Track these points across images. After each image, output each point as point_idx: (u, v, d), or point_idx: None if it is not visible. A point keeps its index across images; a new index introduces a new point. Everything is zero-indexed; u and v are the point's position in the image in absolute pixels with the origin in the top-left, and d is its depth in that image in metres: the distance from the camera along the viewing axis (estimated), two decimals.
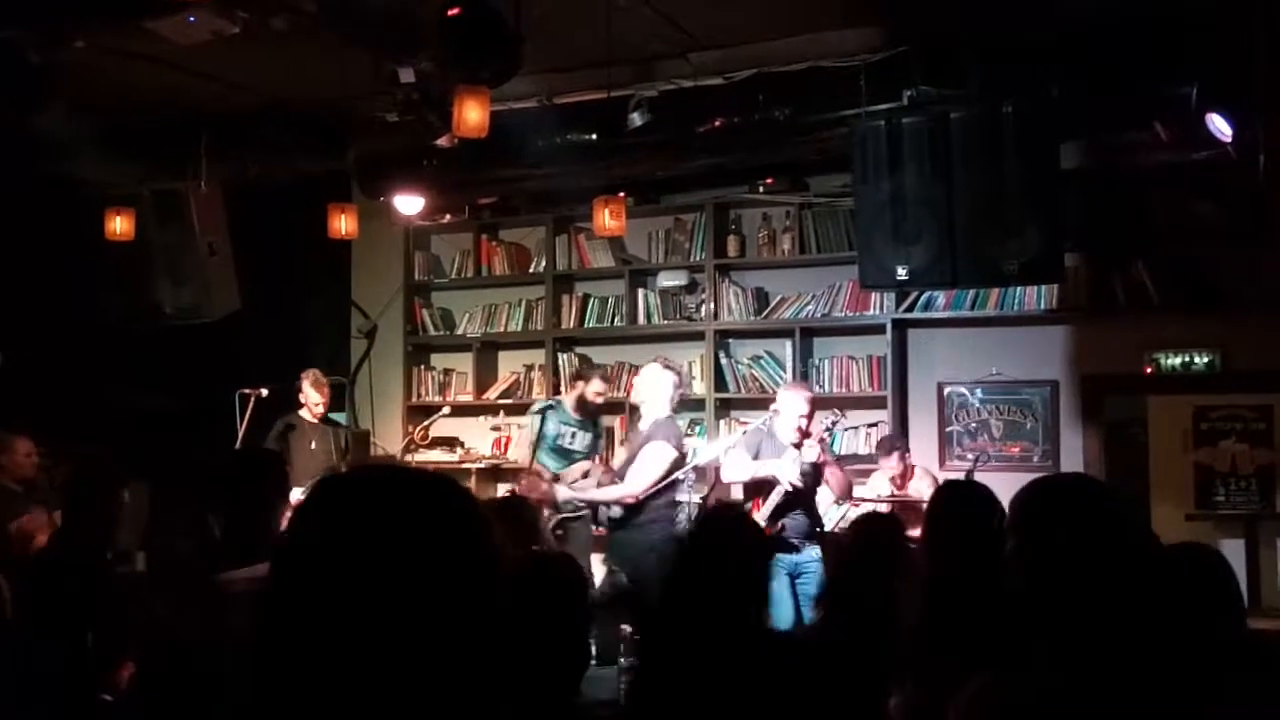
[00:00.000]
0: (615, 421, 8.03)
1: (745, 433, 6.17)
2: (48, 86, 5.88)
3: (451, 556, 1.14)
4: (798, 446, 5.76)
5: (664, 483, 5.87)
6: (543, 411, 7.17)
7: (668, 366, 6.19)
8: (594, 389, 7.15)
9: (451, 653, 1.11)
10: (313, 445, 7.25)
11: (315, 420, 7.36)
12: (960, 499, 3.38)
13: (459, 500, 1.19)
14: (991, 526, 2.99)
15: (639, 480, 5.89)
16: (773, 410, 6.03)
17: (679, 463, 5.95)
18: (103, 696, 3.55)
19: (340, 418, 7.46)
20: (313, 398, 7.32)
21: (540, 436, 7.07)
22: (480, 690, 1.13)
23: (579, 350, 8.36)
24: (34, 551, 5.33)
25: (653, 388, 6.07)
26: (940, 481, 6.97)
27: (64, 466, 6.24)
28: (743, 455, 5.95)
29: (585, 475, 6.85)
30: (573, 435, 7.08)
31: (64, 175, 7.12)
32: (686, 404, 7.84)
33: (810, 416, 5.81)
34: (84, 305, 7.46)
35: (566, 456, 7.06)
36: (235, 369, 7.46)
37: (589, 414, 7.15)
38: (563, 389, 8.11)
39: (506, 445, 8.17)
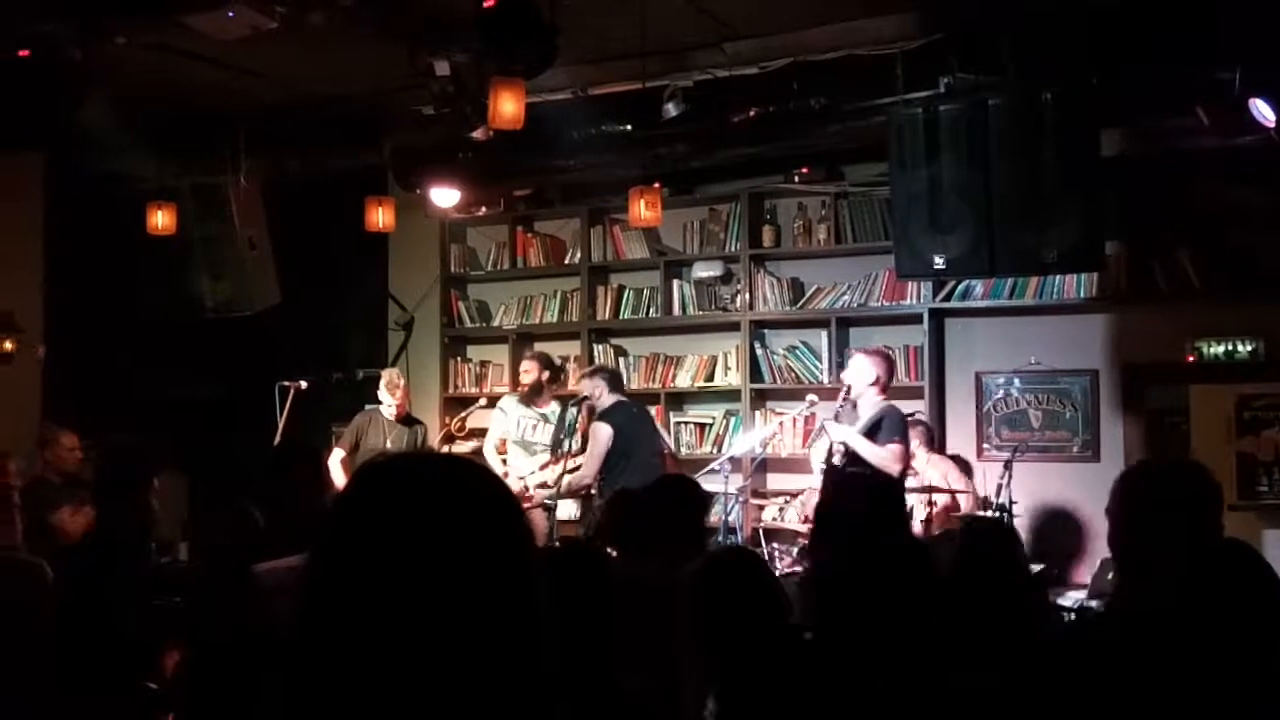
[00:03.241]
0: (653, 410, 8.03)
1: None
2: (89, 83, 5.96)
3: (487, 540, 1.15)
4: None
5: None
6: (504, 406, 7.44)
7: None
8: (522, 368, 7.40)
9: (489, 637, 1.12)
10: (387, 443, 7.26)
11: (395, 418, 7.38)
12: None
13: (492, 486, 1.20)
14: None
15: None
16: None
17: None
18: (148, 685, 3.60)
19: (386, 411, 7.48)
20: (384, 398, 7.32)
21: (506, 430, 7.31)
22: (527, 679, 1.14)
23: (614, 341, 8.37)
24: (78, 537, 5.42)
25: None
26: (960, 470, 6.93)
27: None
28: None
29: (544, 468, 7.01)
30: (533, 426, 7.24)
31: (105, 170, 7.22)
32: (722, 395, 7.90)
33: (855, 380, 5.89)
34: (126, 299, 7.55)
35: (528, 449, 7.20)
36: (275, 361, 7.52)
37: (536, 403, 7.27)
38: None
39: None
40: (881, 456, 5.64)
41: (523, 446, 7.29)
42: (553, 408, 7.24)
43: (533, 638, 1.15)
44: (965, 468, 7.05)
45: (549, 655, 1.17)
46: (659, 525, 3.59)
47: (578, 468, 6.62)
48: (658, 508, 3.62)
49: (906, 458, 5.83)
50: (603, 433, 6.39)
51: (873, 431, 5.72)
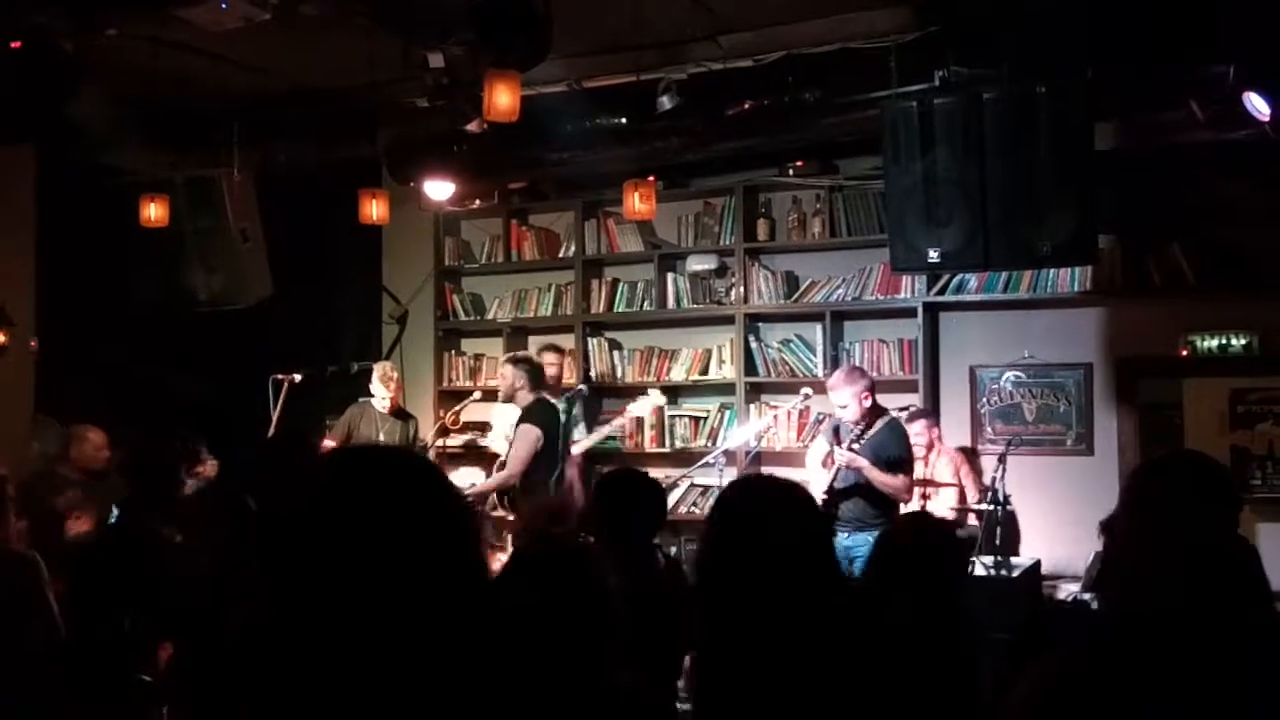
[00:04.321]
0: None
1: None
2: (81, 75, 5.93)
3: (428, 523, 1.22)
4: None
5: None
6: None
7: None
8: (545, 360, 7.45)
9: (438, 635, 1.15)
10: (379, 436, 7.29)
11: (387, 411, 7.39)
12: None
13: (432, 474, 1.29)
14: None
15: None
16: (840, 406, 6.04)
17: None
18: (142, 677, 3.59)
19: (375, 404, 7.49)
20: (378, 391, 7.36)
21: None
22: (486, 676, 1.17)
23: (608, 335, 8.36)
24: (71, 535, 5.41)
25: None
26: (969, 462, 6.94)
27: (116, 454, 6.31)
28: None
29: None
30: None
31: (97, 163, 7.19)
32: (716, 388, 7.90)
33: (846, 403, 5.86)
34: (119, 292, 7.52)
35: None
36: (268, 355, 7.51)
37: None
38: (593, 373, 8.16)
39: None
40: (896, 487, 5.75)
41: None
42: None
43: (487, 637, 1.18)
44: (974, 460, 7.07)
45: (516, 655, 1.21)
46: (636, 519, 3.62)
47: None
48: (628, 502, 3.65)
49: (913, 487, 5.98)
50: (532, 435, 6.42)
51: (883, 458, 5.76)
